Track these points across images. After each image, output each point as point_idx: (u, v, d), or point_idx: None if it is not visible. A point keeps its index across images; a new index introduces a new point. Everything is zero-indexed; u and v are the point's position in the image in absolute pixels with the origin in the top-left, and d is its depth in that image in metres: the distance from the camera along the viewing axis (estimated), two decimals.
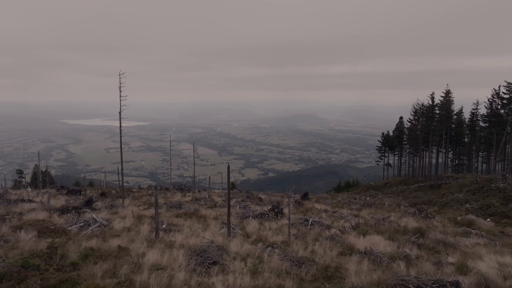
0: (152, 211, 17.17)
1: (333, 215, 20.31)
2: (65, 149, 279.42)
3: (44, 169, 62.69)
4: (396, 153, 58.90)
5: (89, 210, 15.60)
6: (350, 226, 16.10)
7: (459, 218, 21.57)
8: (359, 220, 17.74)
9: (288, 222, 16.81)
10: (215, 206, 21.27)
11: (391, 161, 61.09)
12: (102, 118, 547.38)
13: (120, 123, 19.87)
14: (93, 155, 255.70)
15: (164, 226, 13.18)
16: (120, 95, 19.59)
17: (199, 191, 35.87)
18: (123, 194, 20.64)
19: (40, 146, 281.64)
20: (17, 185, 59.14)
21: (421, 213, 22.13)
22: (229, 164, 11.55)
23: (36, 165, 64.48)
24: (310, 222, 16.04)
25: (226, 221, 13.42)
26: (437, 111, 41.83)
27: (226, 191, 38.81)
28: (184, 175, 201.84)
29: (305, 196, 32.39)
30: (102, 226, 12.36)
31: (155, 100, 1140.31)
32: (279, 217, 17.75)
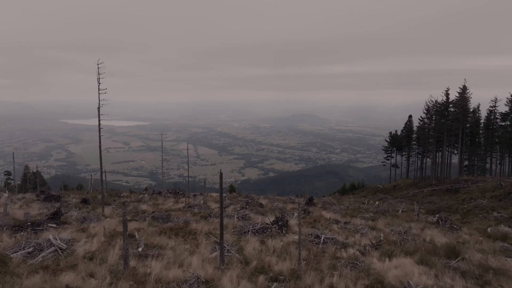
0: (134, 225, 14.43)
1: (346, 227, 17.55)
2: (65, 149, 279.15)
3: (35, 170, 59.78)
4: (403, 153, 56.04)
5: (55, 226, 12.85)
6: (370, 244, 13.34)
7: (489, 229, 18.80)
8: (380, 236, 14.96)
9: (295, 239, 14.07)
10: (210, 216, 18.50)
11: (396, 162, 58.27)
12: (102, 118, 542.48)
13: (99, 120, 17.14)
14: (93, 155, 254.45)
15: (140, 249, 10.43)
16: (98, 88, 16.84)
17: (194, 195, 33.07)
18: (103, 202, 17.89)
19: (40, 146, 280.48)
20: (7, 187, 56.37)
21: (445, 223, 19.36)
22: (221, 172, 8.81)
23: (26, 166, 61.69)
24: (322, 239, 13.27)
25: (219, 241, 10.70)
26: (452, 109, 38.88)
27: (225, 194, 35.81)
28: (184, 175, 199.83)
29: (310, 201, 29.61)
30: (59, 250, 9.60)
31: (155, 100, 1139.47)
32: (283, 231, 14.98)
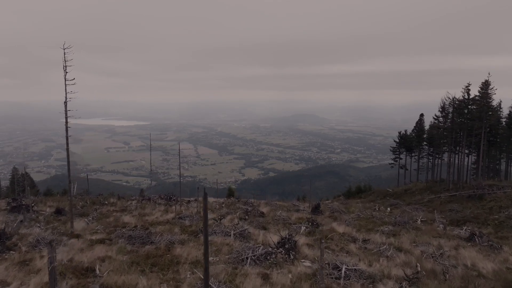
0: (100, 250, 11.36)
1: (366, 247, 14.49)
2: (65, 149, 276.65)
3: (23, 171, 56.57)
4: (413, 154, 52.88)
5: None
6: (405, 277, 10.28)
7: None
8: (415, 264, 11.85)
9: (306, 266, 11.02)
10: (202, 232, 15.44)
11: (402, 163, 55.11)
12: (102, 118, 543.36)
13: (66, 118, 14.09)
14: (93, 154, 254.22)
15: None
16: (65, 78, 13.78)
17: (188, 201, 29.98)
18: (72, 216, 14.77)
19: (40, 146, 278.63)
20: None
21: (481, 239, 16.28)
22: (206, 192, 5.77)
23: (14, 168, 58.59)
24: (343, 271, 10.21)
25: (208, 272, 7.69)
26: (474, 107, 35.55)
27: (223, 200, 32.56)
28: (185, 175, 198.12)
29: (316, 209, 26.52)
30: None
31: (156, 100, 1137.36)
32: (291, 256, 11.93)
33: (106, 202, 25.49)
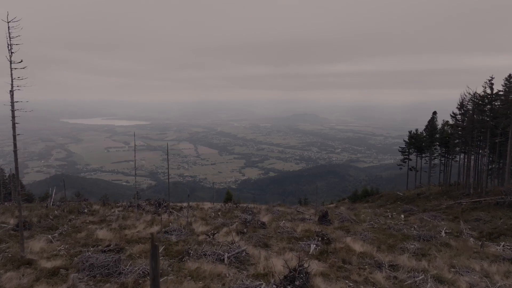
0: None
1: (396, 276, 11.39)
2: (65, 148, 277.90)
3: (10, 173, 53.40)
4: (423, 155, 49.76)
5: None
6: None
7: None
8: None
9: None
10: (188, 254, 12.37)
11: (416, 165, 52.03)
12: (102, 117, 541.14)
13: (13, 110, 11.02)
14: (93, 154, 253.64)
15: None
16: (10, 60, 10.70)
17: (181, 208, 26.88)
18: (22, 236, 11.60)
19: (40, 146, 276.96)
20: None
21: None
22: (155, 243, 2.75)
23: (0, 168, 55.52)
24: None
25: None
26: (497, 103, 32.38)
27: (219, 206, 29.29)
28: (185, 175, 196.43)
29: (324, 218, 23.46)
30: None
31: (156, 100, 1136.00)
32: None
33: (86, 210, 22.38)
